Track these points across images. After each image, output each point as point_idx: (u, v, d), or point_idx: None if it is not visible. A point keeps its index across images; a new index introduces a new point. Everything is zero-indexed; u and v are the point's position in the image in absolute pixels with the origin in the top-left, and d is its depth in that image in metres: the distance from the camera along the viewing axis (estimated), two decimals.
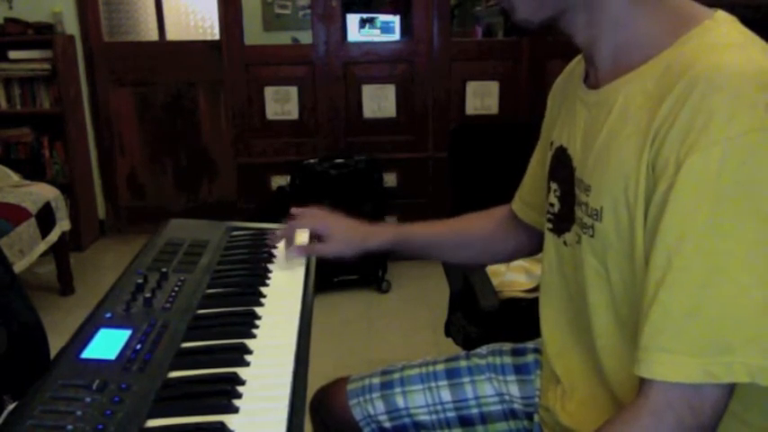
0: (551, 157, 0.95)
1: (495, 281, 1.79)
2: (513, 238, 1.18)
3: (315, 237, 1.21)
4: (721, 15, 0.76)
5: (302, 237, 1.23)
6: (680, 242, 0.67)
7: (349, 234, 1.17)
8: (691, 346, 0.67)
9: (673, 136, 0.69)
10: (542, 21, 0.82)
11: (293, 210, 1.23)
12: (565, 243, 0.91)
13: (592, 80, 0.86)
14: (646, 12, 0.78)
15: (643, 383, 0.70)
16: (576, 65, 0.98)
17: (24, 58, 3.51)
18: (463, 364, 1.12)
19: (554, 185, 0.94)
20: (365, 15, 4.27)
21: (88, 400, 0.74)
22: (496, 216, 1.20)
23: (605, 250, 0.79)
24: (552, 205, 0.94)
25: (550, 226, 0.95)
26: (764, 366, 0.66)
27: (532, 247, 1.14)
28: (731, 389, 0.68)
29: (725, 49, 0.71)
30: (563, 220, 0.91)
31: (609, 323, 0.82)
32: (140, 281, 1.04)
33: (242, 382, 0.80)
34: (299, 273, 1.14)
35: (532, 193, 1.11)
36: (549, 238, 0.95)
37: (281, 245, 1.22)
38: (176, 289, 1.03)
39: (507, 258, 1.26)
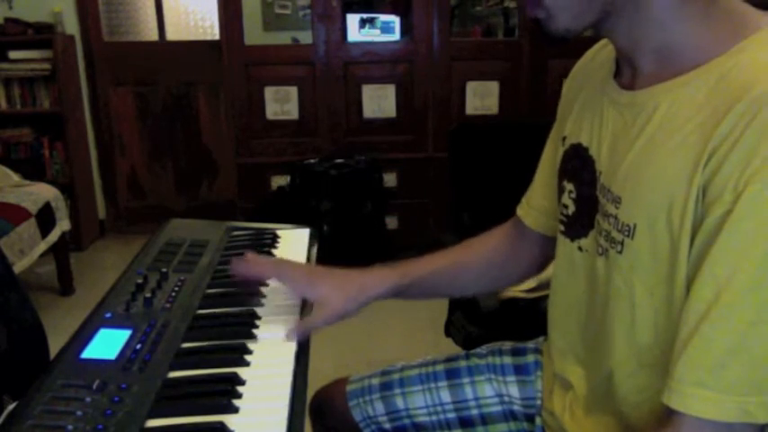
0: (564, 153, 0.90)
1: None
2: (525, 253, 1.08)
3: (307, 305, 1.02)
4: None
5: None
6: (732, 276, 0.64)
7: (342, 292, 0.98)
8: (730, 384, 0.65)
9: (733, 160, 0.64)
10: (584, 28, 0.76)
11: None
12: (580, 249, 0.87)
13: (626, 79, 0.80)
14: (696, 13, 0.72)
15: (672, 415, 0.68)
16: (598, 52, 0.92)
17: (24, 58, 3.52)
18: (463, 364, 1.11)
19: (569, 186, 0.88)
20: (365, 15, 4.27)
21: (88, 400, 0.74)
22: (500, 235, 1.10)
23: (634, 269, 0.75)
24: (566, 207, 0.89)
25: (563, 229, 0.90)
26: None
27: (545, 259, 1.06)
28: (763, 427, 0.67)
29: None
30: (579, 225, 0.86)
31: (625, 346, 0.79)
32: (140, 281, 1.04)
33: (242, 382, 0.79)
34: None
35: (544, 197, 1.02)
36: (562, 243, 0.91)
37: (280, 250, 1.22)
38: (176, 289, 1.03)
39: (522, 278, 1.14)
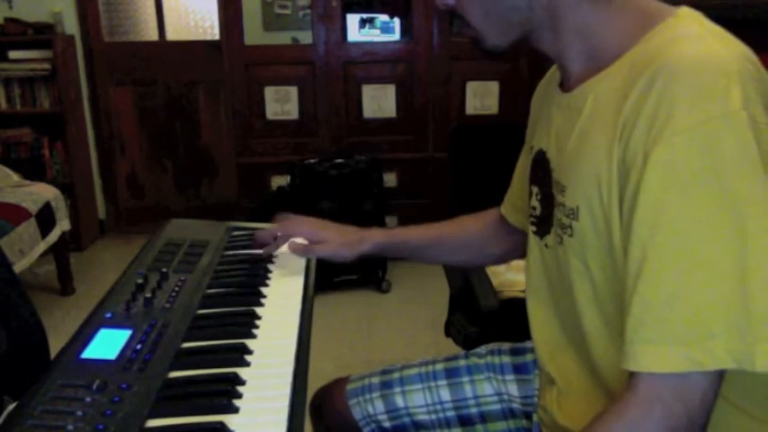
0: (531, 160, 0.96)
1: (495, 281, 1.79)
2: (505, 241, 1.18)
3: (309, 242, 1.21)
4: (684, 11, 0.78)
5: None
6: (652, 234, 0.68)
7: (343, 237, 1.18)
8: (673, 335, 0.67)
9: (639, 129, 0.70)
10: (511, 43, 0.85)
11: (280, 217, 1.24)
12: (546, 245, 0.91)
13: (565, 83, 0.88)
14: (609, 16, 0.80)
15: (631, 376, 0.71)
16: (555, 71, 0.99)
17: (24, 58, 3.51)
18: (462, 363, 1.12)
19: (535, 189, 0.95)
20: (365, 15, 4.27)
21: (88, 400, 0.74)
22: (488, 219, 1.21)
23: (585, 248, 0.80)
24: (534, 208, 0.95)
25: (534, 229, 0.96)
26: (748, 351, 0.66)
27: (523, 251, 1.12)
28: (720, 377, 0.68)
29: (683, 40, 0.72)
30: (544, 223, 0.92)
31: (596, 320, 0.83)
32: (140, 281, 1.04)
33: (242, 382, 0.80)
34: (300, 272, 1.15)
35: (520, 197, 1.11)
36: (533, 241, 0.96)
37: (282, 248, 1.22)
38: (176, 289, 1.03)
39: (499, 260, 1.28)
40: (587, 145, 0.78)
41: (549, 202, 0.89)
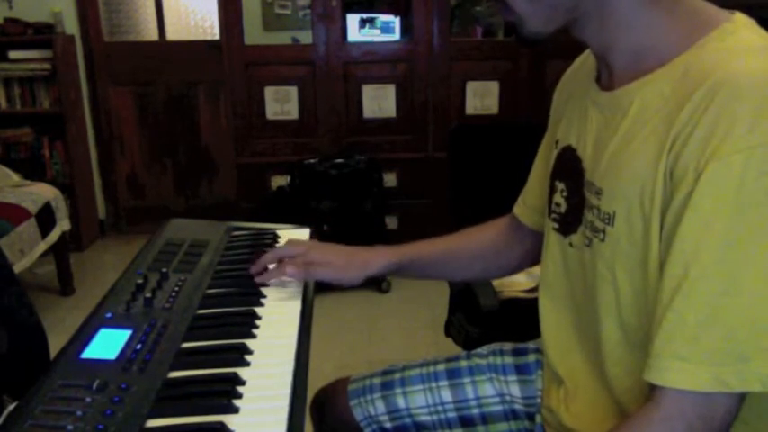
0: (557, 155, 0.94)
1: (495, 281, 1.79)
2: (518, 247, 1.13)
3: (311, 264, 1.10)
4: (740, 18, 0.75)
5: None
6: (697, 251, 0.67)
7: (348, 260, 1.10)
8: (704, 354, 0.67)
9: (693, 143, 0.68)
10: (553, 31, 0.81)
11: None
12: (571, 244, 0.89)
13: (605, 81, 0.85)
14: (660, 15, 0.77)
15: (654, 390, 0.70)
16: (585, 60, 0.96)
17: (24, 58, 3.51)
18: (464, 364, 1.12)
19: (560, 185, 0.92)
20: (365, 15, 4.26)
21: (88, 400, 0.74)
22: (497, 227, 1.16)
23: (615, 255, 0.79)
24: (558, 205, 0.93)
25: (556, 226, 0.94)
26: None
27: (537, 254, 1.09)
28: (741, 398, 0.68)
29: (746, 54, 0.70)
30: (570, 222, 0.90)
31: (615, 329, 0.82)
32: (140, 281, 1.04)
33: (242, 382, 0.80)
34: None
35: (538, 197, 1.06)
36: (554, 239, 0.94)
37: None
38: (176, 289, 1.03)
39: (513, 270, 1.20)
40: (631, 151, 0.76)
41: (577, 200, 0.87)
